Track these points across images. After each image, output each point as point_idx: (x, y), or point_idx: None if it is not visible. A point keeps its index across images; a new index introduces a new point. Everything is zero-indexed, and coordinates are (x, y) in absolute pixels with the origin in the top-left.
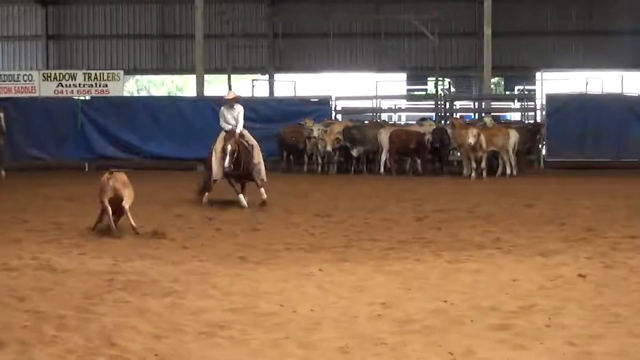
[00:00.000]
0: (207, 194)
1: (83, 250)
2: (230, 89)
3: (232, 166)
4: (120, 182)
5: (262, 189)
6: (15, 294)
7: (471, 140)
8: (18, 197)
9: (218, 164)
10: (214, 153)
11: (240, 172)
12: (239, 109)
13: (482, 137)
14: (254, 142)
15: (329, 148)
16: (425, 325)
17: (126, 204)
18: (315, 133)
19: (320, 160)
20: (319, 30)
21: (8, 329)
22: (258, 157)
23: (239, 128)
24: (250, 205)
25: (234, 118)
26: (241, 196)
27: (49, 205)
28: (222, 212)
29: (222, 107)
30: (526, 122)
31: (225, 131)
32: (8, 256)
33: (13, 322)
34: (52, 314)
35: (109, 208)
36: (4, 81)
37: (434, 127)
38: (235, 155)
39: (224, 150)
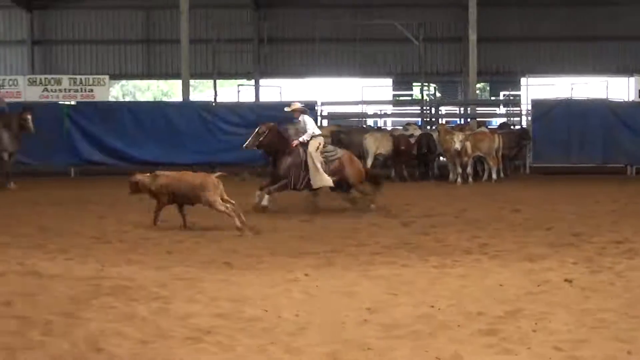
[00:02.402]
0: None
1: (69, 255)
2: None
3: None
4: None
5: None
6: (1, 299)
7: (457, 145)
8: (4, 203)
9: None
10: (313, 162)
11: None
12: (304, 119)
13: (467, 143)
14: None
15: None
16: (412, 331)
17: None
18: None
19: None
20: (305, 35)
21: None
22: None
23: (305, 137)
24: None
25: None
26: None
27: (33, 211)
28: (205, 217)
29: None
30: (513, 127)
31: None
32: None
33: None
34: (38, 319)
35: None
36: None
37: (419, 132)
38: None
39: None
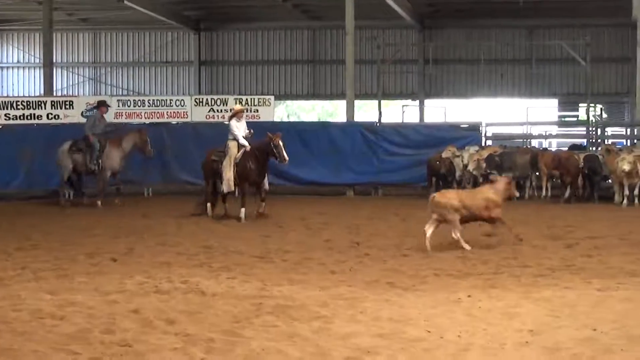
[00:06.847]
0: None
1: (232, 274)
2: (238, 103)
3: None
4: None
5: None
6: (165, 316)
7: (626, 167)
8: (169, 220)
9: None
10: (228, 160)
11: (258, 180)
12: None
13: (638, 164)
14: None
15: (470, 167)
16: (574, 354)
17: None
18: (465, 158)
19: (468, 187)
20: (470, 56)
21: (157, 351)
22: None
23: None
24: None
25: (245, 129)
26: (244, 210)
27: (199, 229)
28: (370, 237)
29: (233, 120)
30: None
31: (241, 144)
32: (158, 279)
33: (162, 345)
34: (200, 337)
35: None
36: (158, 106)
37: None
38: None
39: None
